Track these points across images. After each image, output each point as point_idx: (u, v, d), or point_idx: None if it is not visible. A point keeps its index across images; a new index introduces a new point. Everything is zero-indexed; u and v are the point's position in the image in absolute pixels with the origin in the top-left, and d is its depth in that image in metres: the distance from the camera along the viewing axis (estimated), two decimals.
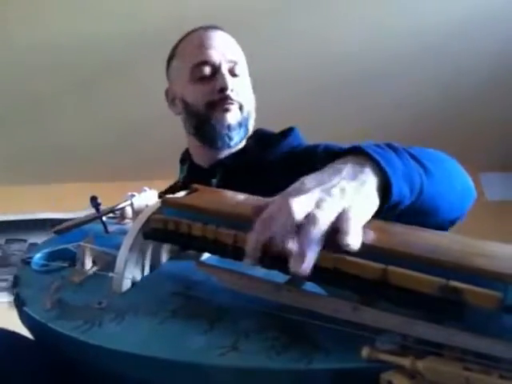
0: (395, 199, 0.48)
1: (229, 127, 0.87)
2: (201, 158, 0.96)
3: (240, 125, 0.89)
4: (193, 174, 0.97)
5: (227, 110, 0.87)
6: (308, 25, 1.86)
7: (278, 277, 0.45)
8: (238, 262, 0.47)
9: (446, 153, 0.63)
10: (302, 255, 0.38)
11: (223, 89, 0.87)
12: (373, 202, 0.46)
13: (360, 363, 0.37)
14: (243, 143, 0.95)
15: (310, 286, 0.46)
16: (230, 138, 0.88)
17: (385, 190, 0.47)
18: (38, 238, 2.40)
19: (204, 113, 0.89)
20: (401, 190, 0.48)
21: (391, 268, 0.39)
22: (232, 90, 0.88)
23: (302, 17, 1.83)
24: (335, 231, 0.40)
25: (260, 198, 0.57)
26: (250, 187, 0.70)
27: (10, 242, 2.55)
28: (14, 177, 2.54)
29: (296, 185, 0.45)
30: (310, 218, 0.40)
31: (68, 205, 2.29)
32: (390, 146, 0.52)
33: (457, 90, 2.21)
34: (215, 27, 0.95)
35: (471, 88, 2.20)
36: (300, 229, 0.39)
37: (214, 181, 0.89)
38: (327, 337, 0.41)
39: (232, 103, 0.88)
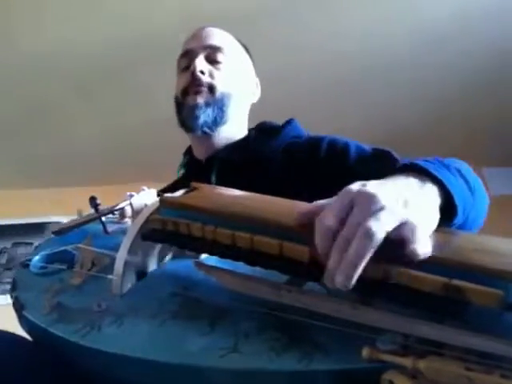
0: (456, 221, 0.48)
1: (195, 106, 0.88)
2: (198, 151, 0.97)
3: (208, 104, 0.88)
4: (191, 169, 0.98)
5: (197, 93, 0.88)
6: (311, 21, 1.86)
7: (278, 277, 0.45)
8: (237, 262, 0.46)
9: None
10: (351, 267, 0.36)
11: (193, 72, 0.88)
12: (434, 218, 0.44)
13: (360, 364, 0.37)
14: (241, 135, 0.95)
15: (310, 286, 0.45)
16: (197, 117, 0.87)
17: (446, 210, 0.46)
18: None
19: (181, 100, 0.92)
20: (460, 213, 0.48)
21: (394, 267, 0.38)
22: (203, 73, 0.88)
23: (305, 13, 1.83)
24: (397, 243, 0.38)
25: (258, 194, 0.57)
26: (248, 180, 0.69)
27: (16, 246, 2.56)
28: (21, 181, 2.55)
29: (356, 186, 0.41)
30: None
31: (75, 208, 2.28)
32: (440, 162, 0.51)
33: (458, 86, 2.21)
34: (208, 26, 0.96)
35: (473, 83, 2.19)
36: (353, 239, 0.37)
37: (213, 176, 0.89)
38: (327, 337, 0.40)
39: (201, 85, 0.88)
